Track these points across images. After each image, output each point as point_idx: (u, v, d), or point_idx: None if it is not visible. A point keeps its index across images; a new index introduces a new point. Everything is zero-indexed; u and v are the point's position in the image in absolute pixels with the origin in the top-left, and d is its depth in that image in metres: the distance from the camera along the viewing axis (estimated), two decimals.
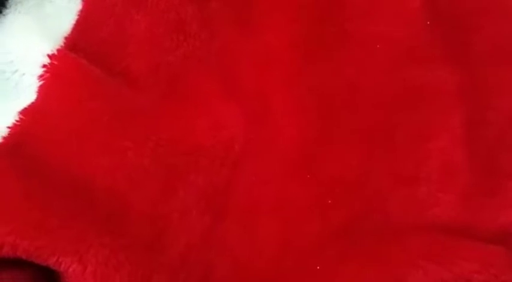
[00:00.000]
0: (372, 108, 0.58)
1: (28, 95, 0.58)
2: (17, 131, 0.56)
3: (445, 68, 0.58)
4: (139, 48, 0.60)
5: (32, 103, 0.57)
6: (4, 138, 0.55)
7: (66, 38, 0.60)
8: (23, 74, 0.59)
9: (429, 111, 0.57)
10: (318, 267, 0.53)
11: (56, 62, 0.58)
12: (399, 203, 0.55)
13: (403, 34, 0.59)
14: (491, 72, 0.58)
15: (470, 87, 0.57)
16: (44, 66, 0.58)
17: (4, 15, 0.61)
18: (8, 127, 0.56)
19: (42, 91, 0.58)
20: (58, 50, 0.59)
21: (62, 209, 0.51)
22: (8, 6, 0.61)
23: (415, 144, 0.57)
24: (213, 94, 0.59)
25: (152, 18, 0.61)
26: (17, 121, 0.56)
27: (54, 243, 0.49)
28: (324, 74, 0.59)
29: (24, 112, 0.56)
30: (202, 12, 0.61)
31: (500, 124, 0.57)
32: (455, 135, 0.56)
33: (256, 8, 0.61)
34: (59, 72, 0.58)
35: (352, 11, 0.60)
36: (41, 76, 0.58)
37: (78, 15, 0.62)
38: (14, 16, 0.61)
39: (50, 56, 0.58)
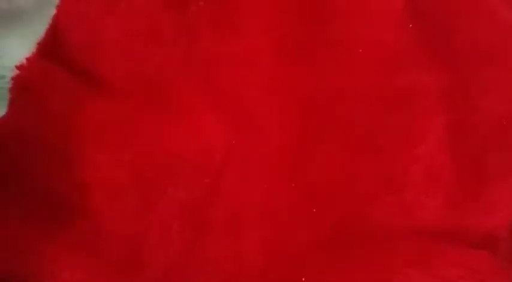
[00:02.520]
0: (354, 113, 0.57)
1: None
2: None
3: (428, 71, 0.57)
4: (114, 56, 0.58)
5: (3, 116, 0.56)
6: None
7: (39, 44, 0.59)
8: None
9: (413, 115, 0.56)
10: (303, 279, 0.52)
11: (25, 73, 0.57)
12: (385, 208, 0.54)
13: (385, 37, 0.58)
14: (474, 74, 0.57)
15: (454, 90, 0.56)
16: (16, 73, 0.57)
17: None
18: None
19: (13, 101, 0.56)
20: (28, 59, 0.58)
21: (36, 229, 0.51)
22: None
23: (399, 149, 0.56)
24: (191, 103, 0.58)
25: (126, 26, 0.59)
26: None
27: (28, 265, 0.48)
28: (306, 79, 0.58)
29: None
30: (180, 17, 0.59)
31: (485, 126, 0.56)
32: (439, 139, 0.56)
33: (237, 12, 0.59)
34: (27, 84, 0.57)
35: (334, 14, 0.58)
36: (12, 84, 0.57)
37: (52, 20, 0.60)
38: None
39: (19, 68, 0.57)
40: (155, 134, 0.56)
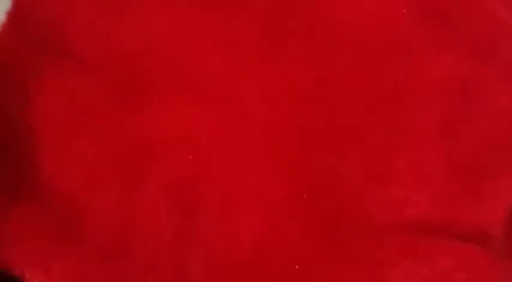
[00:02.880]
0: (343, 101, 0.56)
1: None
2: None
3: (424, 66, 0.56)
4: (80, 28, 0.56)
5: None
6: None
7: (7, 14, 0.56)
8: None
9: (404, 107, 0.56)
10: (297, 266, 0.52)
11: None
12: (375, 202, 0.54)
13: (379, 25, 0.56)
14: (472, 71, 0.56)
15: (451, 86, 0.56)
16: None
17: None
18: None
19: None
20: None
21: (24, 218, 0.50)
22: None
23: (388, 143, 0.55)
24: (166, 80, 0.55)
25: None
26: None
27: (17, 255, 0.48)
28: (293, 63, 0.56)
29: None
30: None
31: (481, 123, 0.56)
32: (428, 134, 0.55)
33: None
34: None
35: (325, 4, 0.57)
36: None
37: None
38: None
39: None
40: (133, 116, 0.54)
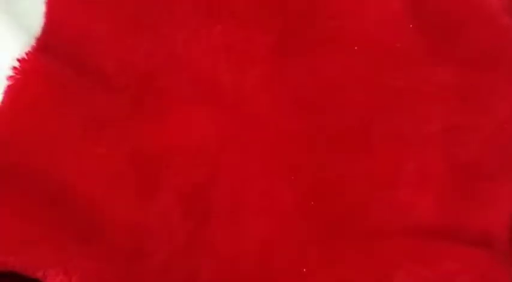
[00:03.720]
0: (351, 110, 0.58)
1: None
2: None
3: (427, 72, 0.58)
4: (104, 47, 0.59)
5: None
6: None
7: (37, 39, 0.59)
8: None
9: (408, 114, 0.57)
10: (304, 270, 0.53)
11: (26, 66, 0.57)
12: (380, 206, 0.55)
13: (382, 37, 0.59)
14: (474, 78, 0.58)
15: (454, 92, 0.57)
16: (14, 68, 0.57)
17: None
18: None
19: (10, 96, 0.56)
20: (28, 53, 0.58)
21: (43, 220, 0.51)
22: None
23: (392, 148, 0.57)
24: (182, 92, 0.58)
25: (111, 16, 0.60)
26: None
27: (38, 257, 0.48)
28: (303, 75, 0.58)
29: None
30: (168, 4, 0.60)
31: (484, 129, 0.57)
32: (432, 139, 0.57)
33: (230, 0, 0.60)
34: (29, 76, 0.57)
35: (334, 10, 0.59)
36: (9, 79, 0.57)
37: (44, 16, 0.61)
38: None
39: (19, 60, 0.57)
40: (151, 126, 0.57)
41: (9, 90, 0.56)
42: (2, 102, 0.56)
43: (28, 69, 0.57)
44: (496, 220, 0.55)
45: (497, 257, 0.53)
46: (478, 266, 0.52)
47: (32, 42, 0.58)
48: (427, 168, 0.56)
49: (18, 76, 0.56)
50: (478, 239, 0.54)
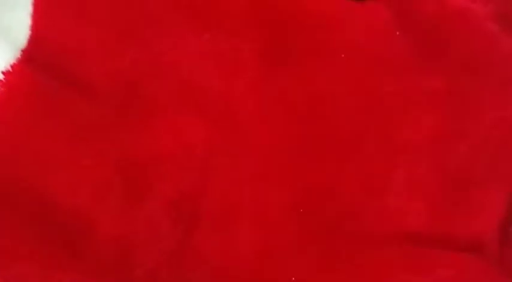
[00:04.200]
0: (339, 117, 0.58)
1: None
2: None
3: (416, 78, 0.58)
4: (90, 57, 0.59)
5: None
6: None
7: (23, 51, 0.59)
8: None
9: (397, 121, 0.57)
10: (293, 279, 0.53)
11: (11, 78, 0.57)
12: (371, 213, 0.55)
13: (372, 44, 0.59)
14: (462, 85, 0.58)
15: (445, 97, 0.58)
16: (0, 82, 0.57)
17: None
18: None
19: None
20: (13, 66, 0.58)
21: (29, 234, 0.51)
22: None
23: (383, 155, 0.57)
24: (169, 100, 0.58)
25: (98, 26, 0.59)
26: None
27: (24, 271, 0.49)
28: (291, 82, 0.58)
29: None
30: (151, 11, 0.59)
31: (474, 135, 0.57)
32: (423, 146, 0.57)
33: (219, 8, 0.59)
34: (13, 89, 0.57)
35: (321, 18, 0.59)
36: None
37: (31, 28, 0.60)
38: None
39: (4, 73, 0.57)
40: (137, 135, 0.56)
41: None
42: None
43: (13, 82, 0.56)
44: (486, 226, 0.55)
45: (488, 261, 0.53)
46: (469, 272, 0.52)
47: (18, 54, 0.58)
48: (417, 175, 0.56)
49: (2, 89, 0.56)
50: (469, 244, 0.54)
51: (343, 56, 0.59)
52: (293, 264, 0.53)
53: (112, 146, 0.56)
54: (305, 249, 0.54)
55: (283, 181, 0.56)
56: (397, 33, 0.58)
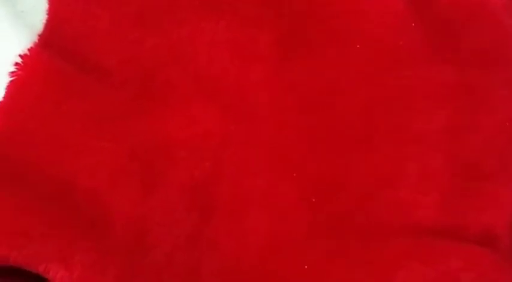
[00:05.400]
0: (352, 108, 0.58)
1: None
2: None
3: (430, 71, 0.58)
4: (107, 43, 0.59)
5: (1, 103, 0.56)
6: None
7: (39, 35, 0.59)
8: None
9: (410, 113, 0.58)
10: (306, 267, 0.53)
11: (28, 62, 0.57)
12: (382, 204, 0.55)
13: (385, 36, 0.59)
14: (477, 76, 0.58)
15: (456, 90, 0.58)
16: (16, 64, 0.57)
17: None
18: None
19: (13, 92, 0.57)
20: (30, 49, 0.58)
21: (45, 214, 0.51)
22: None
23: (395, 147, 0.57)
24: (185, 87, 0.58)
25: (113, 12, 0.60)
26: None
27: (41, 251, 0.49)
28: (306, 72, 0.59)
29: None
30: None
31: (490, 128, 0.57)
32: (435, 138, 0.57)
33: None
34: (31, 72, 0.57)
35: (337, 9, 0.60)
36: (11, 75, 0.57)
37: (47, 13, 0.61)
38: None
39: (22, 56, 0.57)
40: (153, 121, 0.57)
41: (12, 86, 0.57)
42: (4, 97, 0.56)
43: (30, 65, 0.57)
44: (497, 219, 0.55)
45: (499, 255, 0.53)
46: (481, 264, 0.52)
47: (35, 38, 0.59)
48: (428, 167, 0.56)
49: (20, 72, 0.57)
50: (480, 237, 0.54)
51: (358, 46, 0.59)
52: (305, 253, 0.53)
53: (128, 131, 0.56)
54: (317, 239, 0.54)
55: (296, 171, 0.56)
56: (413, 24, 0.59)
